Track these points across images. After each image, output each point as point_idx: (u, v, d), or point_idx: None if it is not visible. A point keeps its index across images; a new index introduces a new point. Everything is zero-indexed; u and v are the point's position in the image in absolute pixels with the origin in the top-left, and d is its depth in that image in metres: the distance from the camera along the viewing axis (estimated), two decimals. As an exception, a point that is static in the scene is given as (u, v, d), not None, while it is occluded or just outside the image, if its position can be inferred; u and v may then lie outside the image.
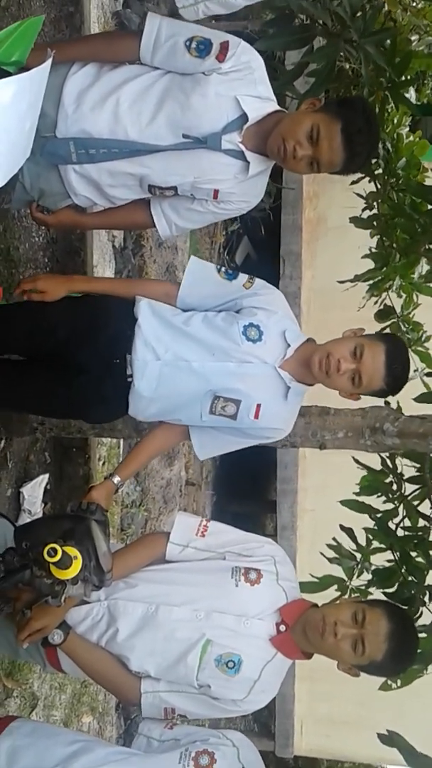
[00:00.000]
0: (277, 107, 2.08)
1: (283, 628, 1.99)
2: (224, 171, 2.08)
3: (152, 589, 2.03)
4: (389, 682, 2.82)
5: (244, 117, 2.01)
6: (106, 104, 2.02)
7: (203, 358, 2.10)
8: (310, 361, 2.09)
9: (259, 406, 2.12)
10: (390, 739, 2.25)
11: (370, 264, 3.80)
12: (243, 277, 2.19)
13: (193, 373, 2.11)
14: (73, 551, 1.57)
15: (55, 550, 1.51)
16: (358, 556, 3.19)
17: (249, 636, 1.97)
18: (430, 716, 5.57)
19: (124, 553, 2.11)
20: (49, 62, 1.65)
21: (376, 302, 3.91)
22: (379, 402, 2.44)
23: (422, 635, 2.85)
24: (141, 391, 2.12)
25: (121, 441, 4.59)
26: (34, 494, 3.42)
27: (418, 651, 2.82)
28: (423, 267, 3.57)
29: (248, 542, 2.11)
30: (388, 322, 3.74)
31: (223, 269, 2.21)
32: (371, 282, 3.77)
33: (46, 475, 3.47)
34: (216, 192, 2.11)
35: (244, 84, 2.00)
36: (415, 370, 3.64)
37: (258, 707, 2.04)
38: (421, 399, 2.99)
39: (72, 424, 2.84)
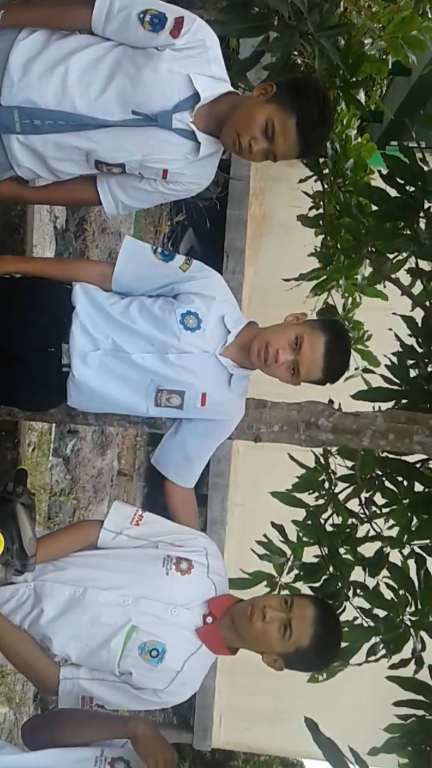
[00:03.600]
0: (231, 89, 2.06)
1: (209, 620, 1.99)
2: (174, 150, 2.05)
3: (81, 573, 2.00)
4: (316, 674, 2.84)
5: (196, 96, 1.98)
6: (54, 74, 1.96)
7: (142, 350, 2.06)
8: (249, 348, 2.08)
9: (204, 394, 2.10)
10: (312, 724, 2.28)
11: (313, 262, 3.84)
12: (180, 259, 2.14)
13: (133, 365, 2.06)
14: (-5, 533, 1.52)
15: None
16: (288, 552, 3.22)
17: (175, 625, 1.96)
18: (345, 711, 5.67)
19: (54, 535, 2.09)
20: None
21: (317, 300, 3.96)
22: (316, 396, 2.45)
23: (345, 630, 2.90)
24: (82, 382, 2.06)
25: (53, 427, 4.51)
26: (-42, 477, 3.32)
27: (341, 645, 2.89)
28: (366, 268, 3.62)
29: (182, 533, 2.11)
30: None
31: (159, 250, 2.16)
32: (315, 282, 3.81)
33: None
34: (165, 172, 2.07)
35: (197, 62, 1.97)
36: (356, 368, 3.70)
37: (179, 700, 2.03)
38: (358, 396, 3.03)
39: (1, 407, 2.75)
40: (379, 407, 2.68)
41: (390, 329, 3.17)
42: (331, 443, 2.47)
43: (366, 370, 3.62)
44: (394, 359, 3.07)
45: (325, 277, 3.67)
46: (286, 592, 3.11)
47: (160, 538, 2.07)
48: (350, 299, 4.00)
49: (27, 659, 1.97)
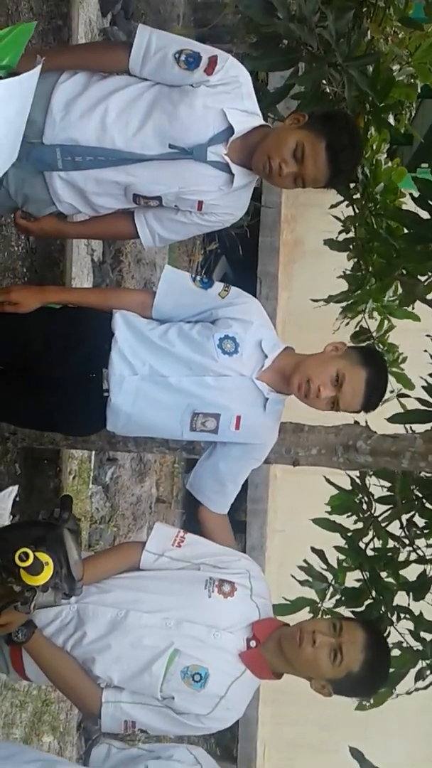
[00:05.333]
0: (263, 122, 2.11)
1: (253, 643, 1.97)
2: (209, 182, 2.10)
3: (123, 595, 2.01)
4: (364, 702, 2.81)
5: (230, 130, 2.03)
6: (94, 113, 2.03)
7: (180, 373, 2.10)
8: (289, 378, 2.10)
9: (239, 417, 2.12)
10: (358, 753, 2.26)
11: (345, 286, 3.86)
12: (218, 286, 2.18)
13: (170, 389, 2.10)
14: (44, 557, 1.55)
15: (27, 555, 1.49)
16: (329, 577, 3.20)
17: (218, 648, 1.95)
18: (392, 740, 5.55)
19: (97, 557, 2.10)
20: (38, 69, 1.65)
21: (350, 324, 3.97)
22: (352, 419, 2.47)
23: (393, 653, 2.87)
24: (118, 406, 2.11)
25: (93, 455, 4.56)
26: (2, 506, 3.37)
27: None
28: (397, 291, 3.63)
29: (224, 555, 2.10)
30: (364, 344, 3.78)
31: (198, 278, 2.20)
32: (345, 304, 3.83)
33: (16, 487, 3.42)
34: (200, 203, 2.12)
35: (231, 98, 2.03)
36: (391, 392, 3.69)
37: (222, 726, 2.01)
38: (395, 420, 3.02)
39: (45, 435, 2.82)
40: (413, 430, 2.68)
41: (425, 351, 3.17)
42: (369, 466, 2.47)
43: (401, 395, 3.61)
44: (431, 380, 3.07)
45: (355, 300, 3.68)
46: (328, 617, 3.09)
47: (203, 560, 2.06)
48: (384, 322, 3.99)
49: (70, 682, 1.98)
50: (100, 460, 4.79)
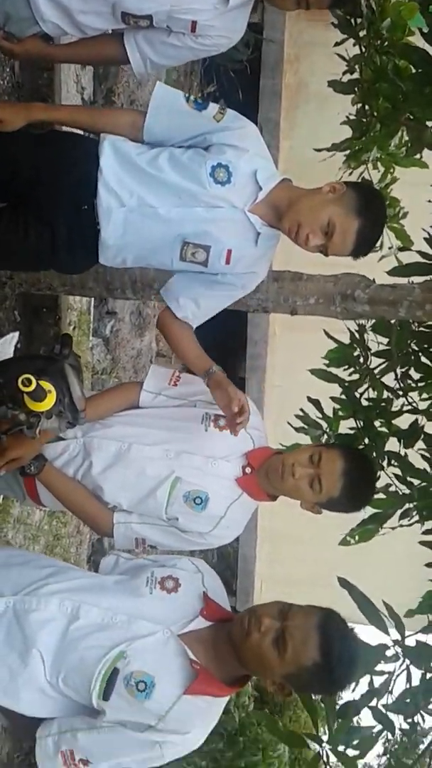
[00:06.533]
0: None
1: (248, 470, 2.09)
2: (203, 0, 1.97)
3: (126, 430, 2.10)
4: (348, 537, 2.98)
5: None
6: None
7: (170, 203, 2.02)
8: (282, 214, 2.02)
9: (230, 251, 2.06)
10: (346, 583, 2.42)
11: (349, 134, 3.70)
12: (213, 108, 2.06)
13: (159, 220, 2.02)
14: (47, 385, 1.60)
15: (29, 380, 1.53)
16: (324, 425, 3.30)
17: (216, 476, 2.06)
18: (382, 578, 5.93)
19: (98, 396, 2.18)
20: None
21: (352, 174, 3.84)
22: (352, 269, 2.45)
23: (380, 496, 3.02)
24: (107, 239, 2.05)
25: (92, 307, 4.57)
26: (4, 351, 3.41)
27: (375, 512, 3.01)
28: (403, 138, 3.49)
29: None
30: (364, 185, 3.68)
31: (191, 98, 2.07)
32: (349, 152, 3.69)
33: (17, 333, 3.45)
34: (194, 24, 2.00)
35: None
36: (389, 248, 3.64)
37: (223, 542, 2.16)
38: (393, 273, 3.00)
39: (41, 280, 2.79)
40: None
41: (429, 201, 3.10)
42: (367, 315, 2.48)
43: (402, 249, 3.56)
44: (432, 232, 3.02)
45: (359, 147, 3.54)
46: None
47: (198, 397, 2.14)
48: (388, 174, 3.87)
49: (83, 507, 2.12)
50: (100, 312, 4.81)
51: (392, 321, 2.97)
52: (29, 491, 2.18)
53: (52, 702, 1.72)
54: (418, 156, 3.44)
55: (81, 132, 2.14)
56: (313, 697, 2.28)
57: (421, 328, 2.98)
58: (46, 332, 3.96)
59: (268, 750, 4.11)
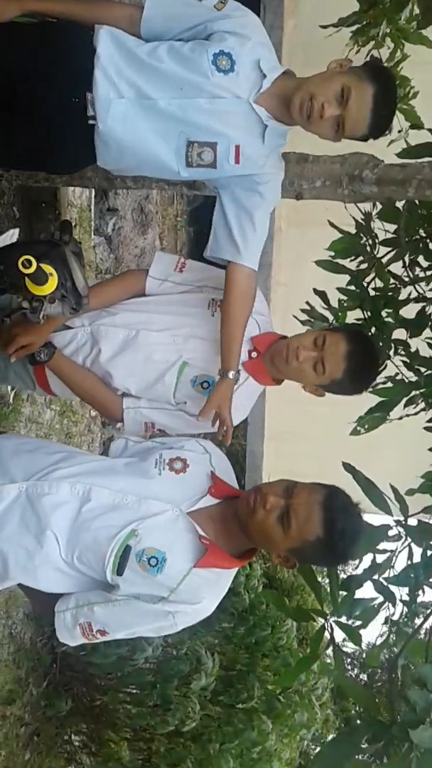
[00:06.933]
0: None
1: (254, 354, 2.11)
2: None
3: (133, 317, 2.11)
4: (358, 427, 3.00)
5: None
6: None
7: (170, 95, 1.93)
8: (290, 100, 1.94)
9: (237, 147, 1.98)
10: (351, 468, 2.46)
11: (357, 7, 3.50)
12: None
13: (160, 114, 1.94)
14: (48, 268, 1.57)
15: (29, 261, 1.51)
16: (330, 317, 3.27)
17: None
18: (387, 471, 6.04)
19: (103, 284, 2.18)
20: None
21: (360, 52, 3.66)
22: (359, 149, 2.36)
23: (387, 385, 3.03)
24: (107, 134, 1.96)
25: (93, 204, 4.46)
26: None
27: (382, 400, 3.02)
28: (413, 10, 3.30)
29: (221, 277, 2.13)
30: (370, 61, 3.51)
31: None
32: (356, 27, 3.50)
33: (17, 230, 3.39)
34: None
35: None
36: (399, 131, 3.50)
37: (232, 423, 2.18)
38: (403, 154, 2.90)
39: (38, 172, 2.71)
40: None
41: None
42: (375, 197, 2.41)
43: (413, 127, 3.42)
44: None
45: (367, 21, 3.35)
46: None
47: (204, 283, 2.13)
48: (397, 51, 3.68)
49: (93, 393, 2.15)
50: (100, 210, 4.71)
51: (400, 206, 2.89)
52: (39, 380, 2.20)
53: (68, 579, 1.79)
54: (430, 28, 3.25)
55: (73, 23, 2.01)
56: (316, 571, 2.38)
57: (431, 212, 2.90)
58: (46, 229, 3.89)
59: (276, 627, 4.33)
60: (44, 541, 1.74)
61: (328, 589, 2.31)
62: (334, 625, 2.23)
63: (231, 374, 2.04)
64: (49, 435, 4.24)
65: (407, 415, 3.06)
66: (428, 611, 2.23)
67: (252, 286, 2.09)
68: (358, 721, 1.91)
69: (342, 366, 2.01)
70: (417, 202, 2.88)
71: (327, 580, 2.36)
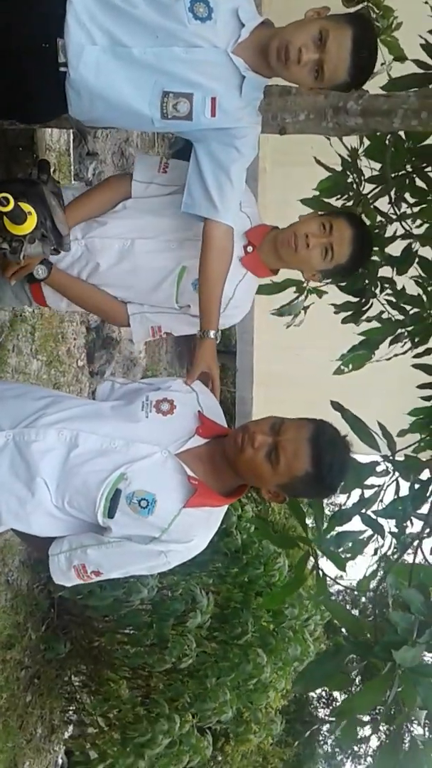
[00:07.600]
0: None
1: (250, 249, 2.16)
2: None
3: (125, 225, 2.12)
4: (341, 366, 3.00)
5: None
6: None
7: (145, 43, 1.86)
8: (267, 48, 1.89)
9: (214, 99, 1.92)
10: (339, 406, 2.47)
11: None
12: None
13: (134, 63, 1.87)
14: (27, 207, 1.55)
15: (7, 199, 1.47)
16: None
17: None
18: (374, 411, 6.09)
19: (88, 193, 2.17)
20: None
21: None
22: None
23: (373, 324, 3.02)
24: (78, 81, 1.89)
25: (71, 149, 4.37)
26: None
27: (364, 339, 3.02)
28: None
29: None
30: (358, 7, 3.41)
31: None
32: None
33: (-6, 177, 3.32)
34: None
35: None
36: (381, 64, 3.41)
37: (233, 321, 2.28)
38: (388, 87, 2.83)
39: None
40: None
41: (426, 2, 2.87)
42: (360, 129, 2.36)
43: (396, 59, 3.33)
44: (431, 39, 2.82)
45: None
46: (314, 296, 3.19)
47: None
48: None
49: (96, 302, 2.20)
50: (80, 154, 4.60)
51: (386, 141, 2.84)
52: (35, 296, 2.22)
53: (61, 522, 1.81)
54: None
55: None
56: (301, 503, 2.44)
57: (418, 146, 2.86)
58: (24, 172, 3.80)
59: (269, 565, 4.42)
60: (35, 489, 1.75)
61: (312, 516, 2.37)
62: (318, 551, 2.27)
63: (212, 333, 2.03)
64: (35, 385, 4.22)
65: (395, 355, 3.06)
66: (415, 542, 2.27)
67: (230, 243, 2.06)
68: (344, 643, 1.97)
69: (348, 250, 2.10)
70: (403, 135, 2.84)
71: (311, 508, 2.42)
